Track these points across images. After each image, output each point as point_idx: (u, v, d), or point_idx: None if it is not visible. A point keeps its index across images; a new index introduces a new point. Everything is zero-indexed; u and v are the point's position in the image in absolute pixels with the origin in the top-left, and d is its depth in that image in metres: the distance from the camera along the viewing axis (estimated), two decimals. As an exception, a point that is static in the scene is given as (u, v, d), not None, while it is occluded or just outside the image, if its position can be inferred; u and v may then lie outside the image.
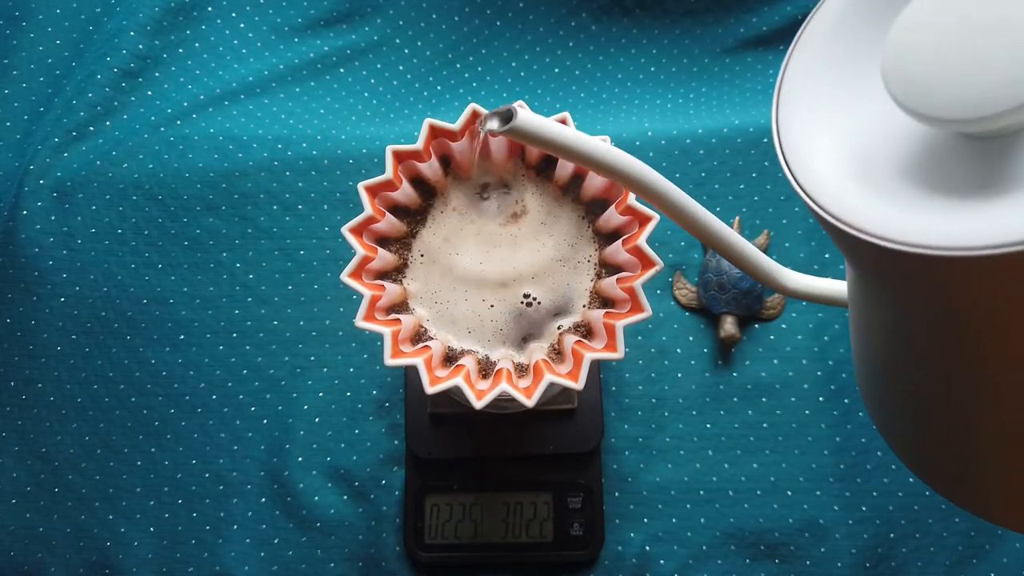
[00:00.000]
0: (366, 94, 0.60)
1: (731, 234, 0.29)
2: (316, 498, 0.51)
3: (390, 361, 0.32)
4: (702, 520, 0.50)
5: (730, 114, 0.57)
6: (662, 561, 0.50)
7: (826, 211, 0.19)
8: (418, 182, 0.38)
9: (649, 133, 0.56)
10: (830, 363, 0.52)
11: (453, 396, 0.46)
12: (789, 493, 0.50)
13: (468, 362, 0.34)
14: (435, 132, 0.35)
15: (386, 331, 0.32)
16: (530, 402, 0.31)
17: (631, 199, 0.34)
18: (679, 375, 0.53)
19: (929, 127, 0.18)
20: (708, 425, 0.52)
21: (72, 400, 0.53)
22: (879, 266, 0.19)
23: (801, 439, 0.51)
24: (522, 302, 0.37)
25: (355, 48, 0.61)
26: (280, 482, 0.51)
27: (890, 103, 0.19)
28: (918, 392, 0.23)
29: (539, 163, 0.38)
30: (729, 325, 0.51)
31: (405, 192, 0.36)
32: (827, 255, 0.54)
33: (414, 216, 0.38)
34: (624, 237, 0.35)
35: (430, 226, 0.38)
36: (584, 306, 0.37)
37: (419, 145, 0.35)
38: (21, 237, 0.54)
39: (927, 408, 0.23)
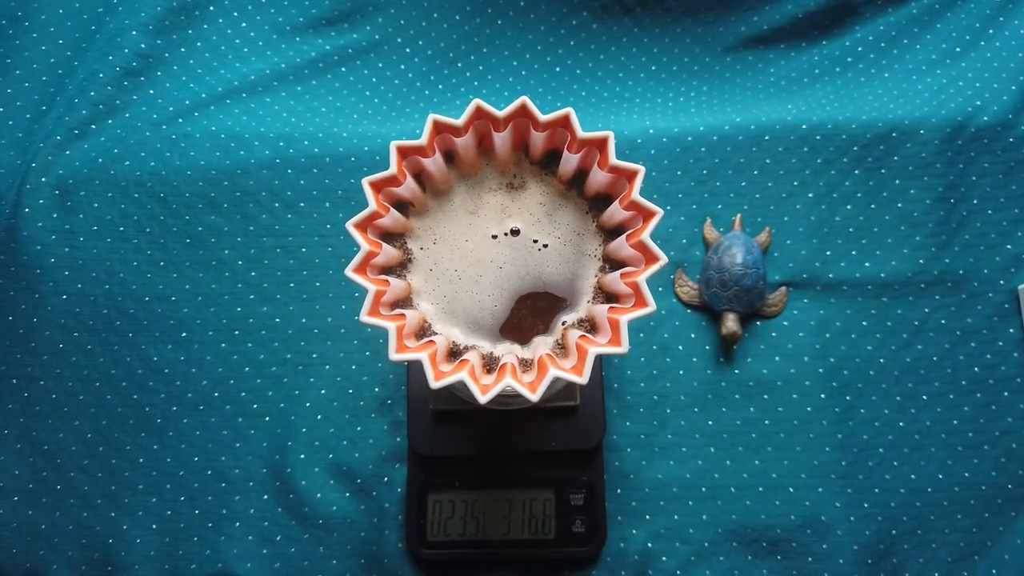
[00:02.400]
0: (368, 92, 0.61)
1: None
2: (318, 495, 0.51)
3: (395, 356, 0.32)
4: (704, 517, 0.50)
5: (731, 112, 0.58)
6: (664, 558, 0.50)
7: None
8: (421, 178, 0.38)
9: (651, 131, 0.56)
10: (831, 360, 0.52)
11: (456, 392, 0.46)
12: (791, 490, 0.50)
13: (472, 357, 0.34)
14: (439, 127, 0.35)
15: (391, 326, 0.32)
16: (535, 396, 0.31)
17: (635, 194, 0.34)
18: (681, 372, 0.53)
19: None
20: (710, 422, 0.52)
21: (74, 397, 0.53)
22: None
23: (803, 436, 0.51)
24: (526, 297, 0.37)
25: (357, 47, 0.61)
26: (282, 479, 0.51)
27: None
28: None
29: (543, 158, 0.38)
30: (731, 322, 0.52)
31: (409, 187, 0.36)
32: (828, 252, 0.54)
33: (418, 211, 0.38)
34: (628, 232, 0.35)
35: (434, 221, 0.38)
36: (588, 301, 0.37)
37: (423, 140, 0.35)
38: (23, 235, 0.54)
39: None
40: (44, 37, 0.59)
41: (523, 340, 0.37)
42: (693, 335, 0.54)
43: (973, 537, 0.50)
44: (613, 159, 0.34)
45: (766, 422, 0.52)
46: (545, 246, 0.38)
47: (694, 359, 0.53)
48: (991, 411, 0.51)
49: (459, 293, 0.37)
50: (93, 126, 0.56)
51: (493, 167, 0.38)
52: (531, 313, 0.37)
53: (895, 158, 0.55)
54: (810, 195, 0.55)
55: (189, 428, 0.52)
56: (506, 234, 0.38)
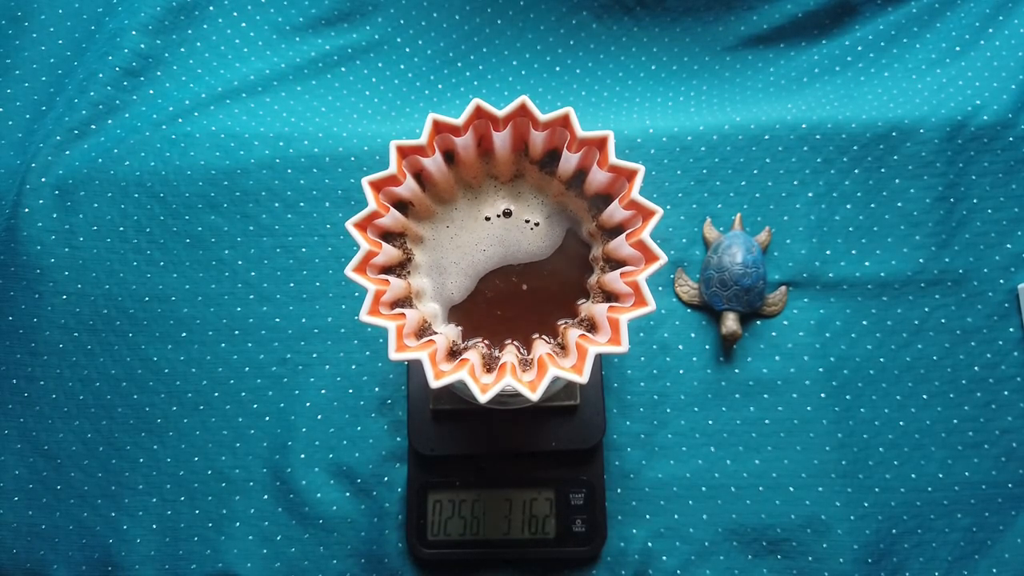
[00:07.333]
0: (367, 92, 0.61)
1: None
2: (318, 495, 0.51)
3: (395, 355, 0.32)
4: (704, 516, 0.50)
5: (731, 111, 0.57)
6: (664, 557, 0.50)
7: None
8: (421, 178, 0.38)
9: (650, 130, 0.56)
10: (831, 359, 0.52)
11: (456, 391, 0.46)
12: (791, 489, 0.50)
13: (472, 356, 0.34)
14: (439, 127, 0.35)
15: (391, 325, 0.32)
16: (535, 396, 0.31)
17: (634, 193, 0.34)
18: (681, 371, 0.53)
19: None
20: (710, 421, 0.52)
21: (74, 397, 0.53)
22: None
23: (803, 435, 0.51)
24: (527, 297, 0.37)
25: (356, 46, 0.61)
26: (282, 479, 0.51)
27: None
28: None
29: (543, 158, 0.38)
30: (731, 322, 0.52)
31: (409, 187, 0.36)
32: (828, 251, 0.54)
33: (418, 211, 0.38)
34: (628, 231, 0.35)
35: (435, 221, 0.38)
36: (588, 301, 0.37)
37: (423, 140, 0.35)
38: (23, 235, 0.54)
39: None
40: (44, 37, 0.59)
41: (523, 339, 0.37)
42: (693, 334, 0.54)
43: (973, 536, 0.50)
44: (613, 158, 0.34)
45: (766, 421, 0.52)
46: (537, 224, 0.38)
47: (694, 358, 0.53)
48: (991, 410, 0.51)
49: (459, 293, 0.37)
50: (93, 126, 0.56)
51: (493, 174, 0.38)
52: (530, 314, 0.37)
53: (895, 157, 0.55)
54: (810, 194, 0.55)
55: (189, 428, 0.52)
56: (499, 215, 0.38)
